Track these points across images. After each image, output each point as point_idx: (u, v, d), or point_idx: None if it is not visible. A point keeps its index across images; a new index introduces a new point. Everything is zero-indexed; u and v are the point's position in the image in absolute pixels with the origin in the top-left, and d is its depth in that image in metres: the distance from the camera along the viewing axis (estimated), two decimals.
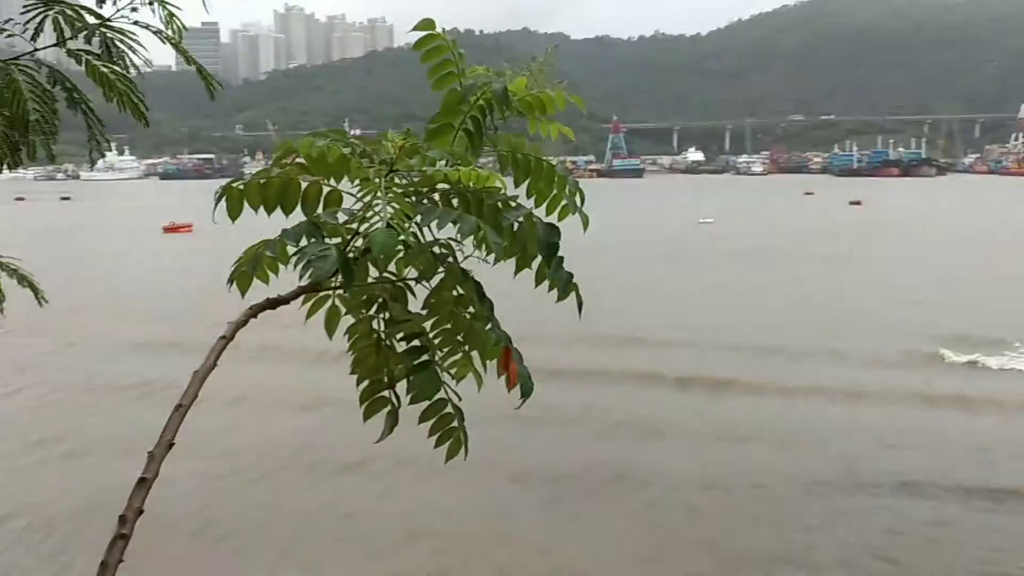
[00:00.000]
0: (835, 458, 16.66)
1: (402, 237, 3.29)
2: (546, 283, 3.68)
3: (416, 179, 3.56)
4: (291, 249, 3.39)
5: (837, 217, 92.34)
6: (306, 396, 21.24)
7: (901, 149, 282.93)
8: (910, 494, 15.13)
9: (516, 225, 3.43)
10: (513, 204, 3.48)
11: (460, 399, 3.66)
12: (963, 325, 30.05)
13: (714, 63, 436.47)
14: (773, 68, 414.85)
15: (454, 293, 3.63)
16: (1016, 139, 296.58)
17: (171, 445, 2.94)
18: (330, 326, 3.95)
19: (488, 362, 3.79)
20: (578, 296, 3.64)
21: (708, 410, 19.86)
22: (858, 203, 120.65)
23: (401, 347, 3.79)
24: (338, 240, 3.62)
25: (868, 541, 13.28)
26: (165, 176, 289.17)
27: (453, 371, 3.81)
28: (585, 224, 3.76)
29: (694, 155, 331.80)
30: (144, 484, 2.92)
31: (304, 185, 3.65)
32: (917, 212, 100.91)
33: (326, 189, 3.66)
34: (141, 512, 2.91)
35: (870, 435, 18.04)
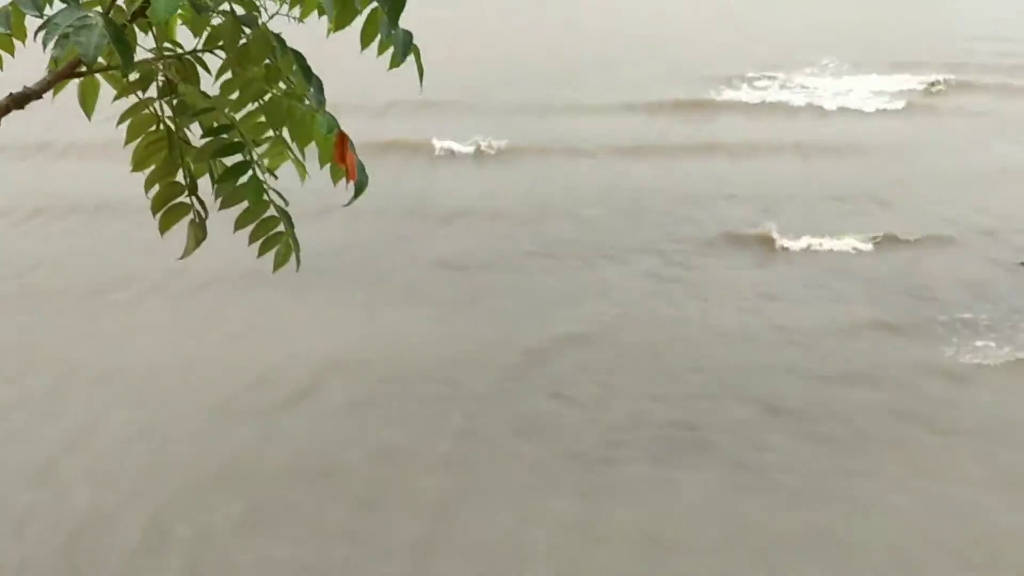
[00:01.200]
0: (642, 214, 16.94)
1: None
2: (374, 46, 2.97)
3: None
4: (33, 20, 2.50)
5: None
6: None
7: None
8: (731, 244, 15.72)
9: None
10: None
11: (287, 203, 2.99)
12: (756, 57, 30.03)
13: None
14: None
15: (262, 67, 2.86)
16: None
17: None
18: (87, 104, 3.10)
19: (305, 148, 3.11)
20: (418, 61, 2.97)
21: (503, 181, 19.34)
22: None
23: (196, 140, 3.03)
24: (96, 6, 2.73)
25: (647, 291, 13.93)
26: None
27: (266, 162, 3.12)
28: None
29: None
30: None
31: None
32: None
33: None
34: None
35: (671, 190, 18.25)
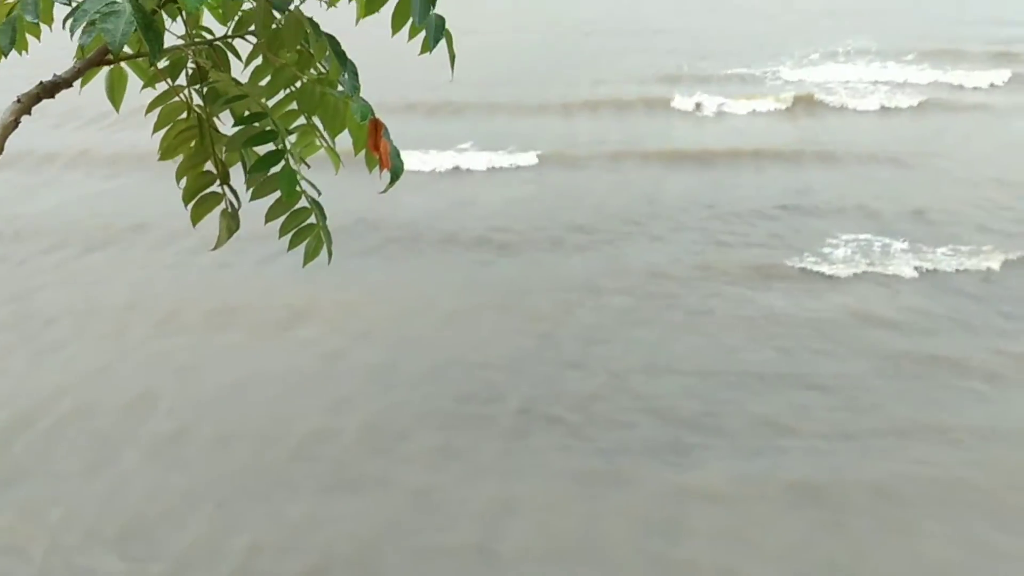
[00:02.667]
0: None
1: None
2: (405, 31, 2.89)
3: None
4: (61, 7, 2.45)
5: None
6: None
7: None
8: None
9: None
10: None
11: (320, 193, 2.92)
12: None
13: None
14: None
15: (294, 52, 2.79)
16: None
17: None
18: (115, 95, 3.03)
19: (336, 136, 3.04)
20: (450, 47, 2.89)
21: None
22: None
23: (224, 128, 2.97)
24: None
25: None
26: None
27: (298, 151, 3.04)
28: None
29: None
30: None
31: None
32: None
33: None
34: None
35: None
